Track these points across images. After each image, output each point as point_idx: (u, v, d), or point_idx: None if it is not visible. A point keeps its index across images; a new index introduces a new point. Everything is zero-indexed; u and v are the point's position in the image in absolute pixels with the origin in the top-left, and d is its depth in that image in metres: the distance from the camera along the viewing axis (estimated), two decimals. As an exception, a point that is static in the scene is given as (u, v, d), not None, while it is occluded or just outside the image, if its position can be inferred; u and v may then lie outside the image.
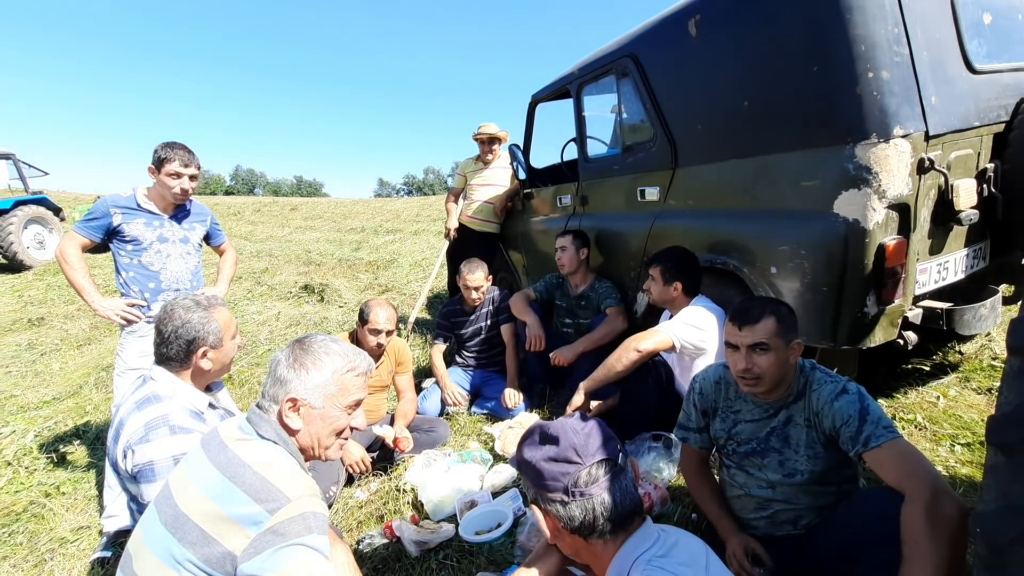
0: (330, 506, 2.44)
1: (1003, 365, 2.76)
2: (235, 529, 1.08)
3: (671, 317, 2.50)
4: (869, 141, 1.95)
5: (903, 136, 1.94)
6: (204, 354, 1.66)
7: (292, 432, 1.28)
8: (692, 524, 1.98)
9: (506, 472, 2.48)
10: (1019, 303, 1.00)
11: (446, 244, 4.91)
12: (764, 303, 1.57)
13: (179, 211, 2.59)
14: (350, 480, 2.64)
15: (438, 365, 3.46)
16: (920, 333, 2.20)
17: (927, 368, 2.91)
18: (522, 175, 4.24)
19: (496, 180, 4.60)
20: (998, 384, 2.64)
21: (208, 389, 1.77)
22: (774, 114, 2.26)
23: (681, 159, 2.75)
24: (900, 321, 2.11)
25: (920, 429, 2.41)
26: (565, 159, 4.09)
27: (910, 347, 2.16)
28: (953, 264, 2.27)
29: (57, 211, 10.94)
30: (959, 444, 2.27)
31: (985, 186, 2.21)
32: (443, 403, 3.37)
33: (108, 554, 2.27)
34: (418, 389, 3.40)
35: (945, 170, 2.03)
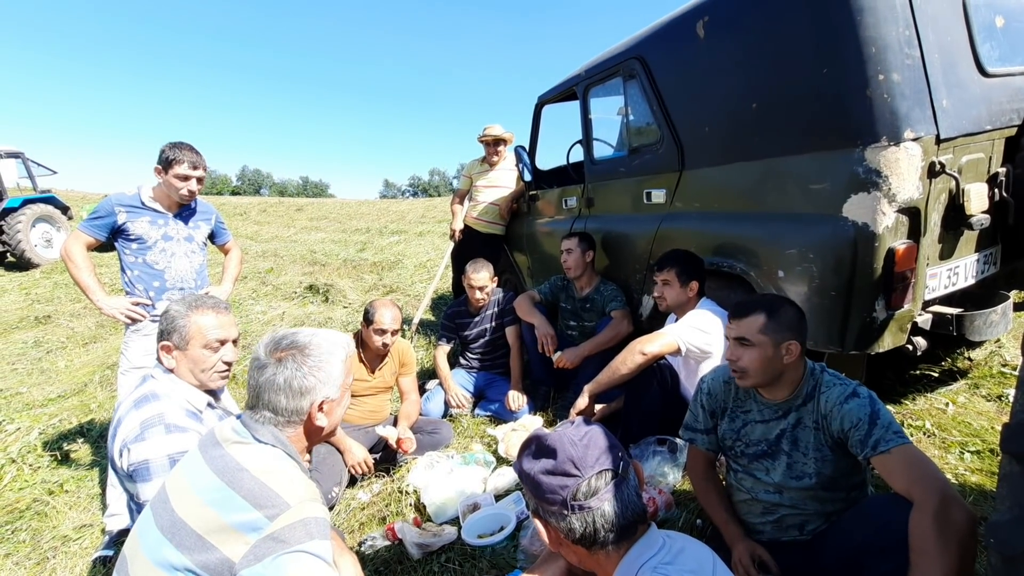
0: (332, 507, 2.43)
1: (1014, 372, 2.74)
2: (234, 536, 1.06)
3: (676, 320, 2.48)
4: (879, 144, 1.93)
5: (914, 139, 1.91)
6: (166, 349, 1.62)
7: (319, 431, 1.28)
8: (697, 530, 1.96)
9: (509, 475, 2.46)
10: None
11: (451, 245, 4.91)
12: (761, 300, 1.57)
13: (184, 209, 2.59)
14: (352, 481, 2.63)
15: (442, 366, 3.45)
16: (930, 339, 2.18)
17: (936, 374, 2.87)
18: (528, 177, 4.23)
19: (502, 182, 4.59)
20: (1009, 391, 2.62)
21: (211, 391, 1.74)
22: (783, 116, 2.23)
23: (688, 161, 2.73)
24: (909, 326, 2.08)
25: (929, 436, 2.38)
26: (571, 161, 4.08)
27: (919, 353, 2.14)
28: (963, 269, 2.24)
29: (65, 210, 11.01)
30: (969, 451, 2.23)
31: (996, 190, 2.18)
32: (446, 405, 3.36)
33: (110, 553, 2.27)
34: (421, 391, 3.39)
35: (956, 174, 2.01)
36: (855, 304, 2.00)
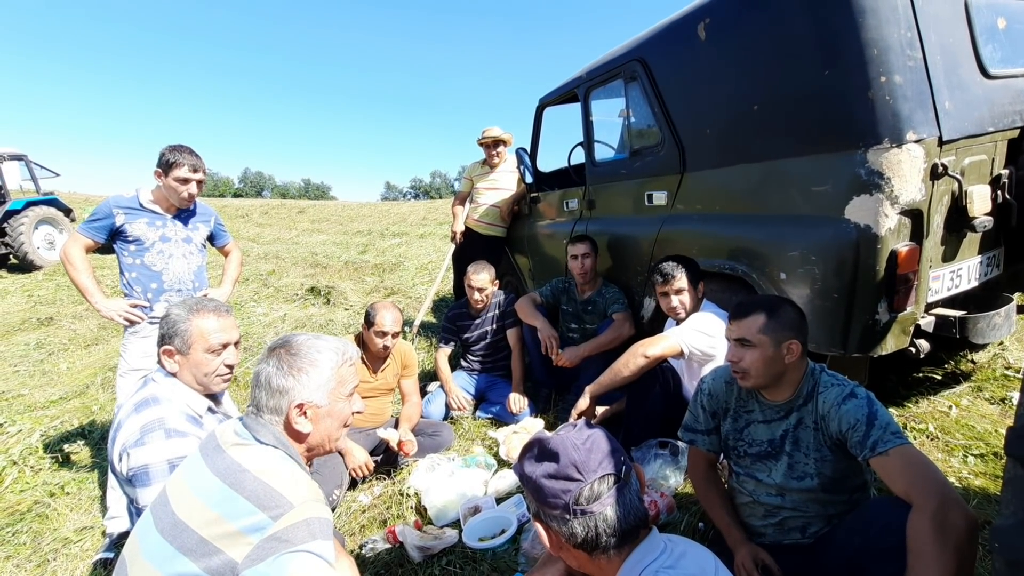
0: (333, 510, 2.43)
1: (1018, 375, 2.72)
2: (238, 538, 1.06)
3: (678, 323, 2.47)
4: (881, 146, 1.92)
5: (916, 141, 1.91)
6: (168, 354, 1.62)
7: (303, 436, 1.26)
8: (699, 533, 1.95)
9: (510, 477, 2.45)
10: None
11: (452, 247, 4.91)
12: (761, 301, 1.57)
13: (182, 211, 2.59)
14: (353, 484, 2.63)
15: (443, 369, 3.44)
16: (932, 341, 2.17)
17: (939, 377, 2.86)
18: (529, 179, 4.23)
19: (503, 184, 4.58)
20: (1012, 394, 2.60)
21: (212, 395, 1.73)
22: (784, 118, 2.23)
23: (689, 163, 2.72)
24: (912, 329, 2.08)
25: (932, 439, 2.36)
26: (572, 163, 4.07)
27: (922, 355, 2.13)
28: (966, 271, 2.24)
29: (68, 212, 11.04)
30: (972, 455, 2.22)
31: (1000, 192, 2.17)
32: (448, 407, 3.35)
33: (111, 555, 2.27)
34: (423, 393, 3.39)
35: (959, 176, 2.00)
36: (857, 306, 1.99)
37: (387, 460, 2.78)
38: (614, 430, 2.48)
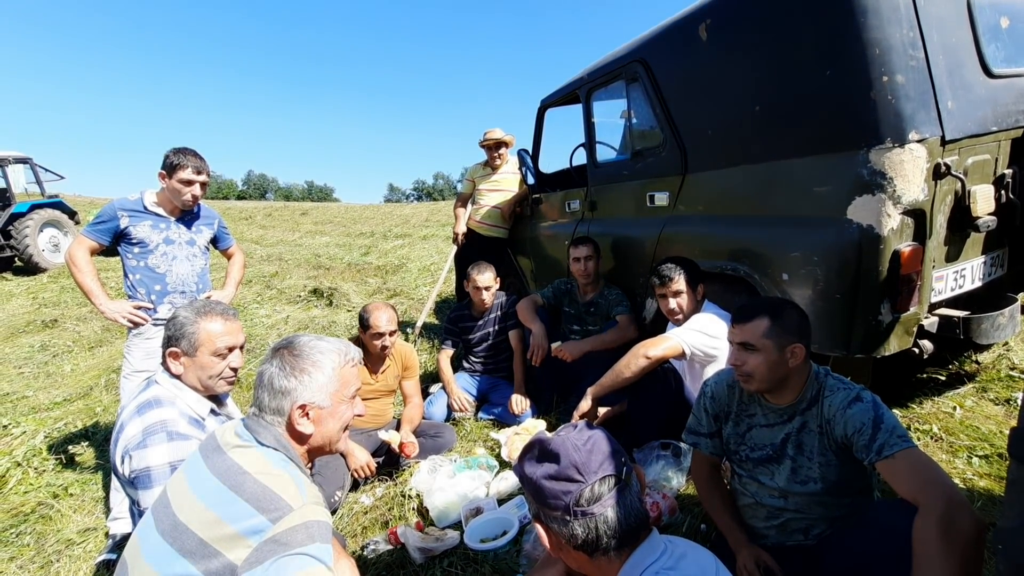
0: (335, 511, 2.43)
1: (1023, 375, 2.70)
2: (237, 540, 1.06)
3: (677, 325, 2.47)
4: (884, 146, 1.92)
5: (918, 141, 1.90)
6: (174, 356, 1.62)
7: (305, 437, 1.27)
8: (701, 535, 1.94)
9: (512, 479, 2.45)
10: None
11: (454, 249, 4.91)
12: (764, 304, 1.56)
13: (186, 214, 2.60)
14: (355, 485, 2.63)
15: (445, 370, 3.44)
16: (936, 342, 2.15)
17: (943, 378, 2.85)
18: (531, 180, 4.23)
19: (505, 185, 4.59)
20: (1017, 395, 2.59)
21: (215, 398, 1.74)
22: (786, 119, 2.22)
23: (691, 164, 2.72)
24: (915, 329, 2.07)
25: (936, 440, 2.35)
26: (574, 164, 4.07)
27: (926, 356, 2.11)
28: (970, 272, 2.22)
29: (72, 214, 11.11)
30: (977, 456, 2.21)
31: (1003, 192, 2.16)
32: (449, 408, 3.35)
33: (114, 557, 2.27)
34: (424, 394, 3.39)
35: (962, 176, 1.99)
36: (860, 307, 1.98)
37: (389, 461, 2.78)
38: (616, 432, 2.47)
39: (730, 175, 2.51)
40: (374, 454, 2.70)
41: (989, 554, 1.52)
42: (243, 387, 4.04)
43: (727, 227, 2.51)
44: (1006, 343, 2.98)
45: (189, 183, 2.47)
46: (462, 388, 3.45)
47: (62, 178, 12.09)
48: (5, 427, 3.61)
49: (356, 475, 2.54)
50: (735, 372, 1.58)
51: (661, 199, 2.92)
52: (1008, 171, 2.18)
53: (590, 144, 3.56)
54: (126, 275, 2.53)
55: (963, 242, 2.16)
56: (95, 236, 2.45)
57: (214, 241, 2.81)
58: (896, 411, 2.59)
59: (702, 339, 2.30)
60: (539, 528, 1.03)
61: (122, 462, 1.50)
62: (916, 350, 2.11)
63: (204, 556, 1.06)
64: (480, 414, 3.37)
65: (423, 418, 3.03)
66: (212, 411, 1.70)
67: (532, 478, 1.01)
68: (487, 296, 3.43)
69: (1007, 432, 1.22)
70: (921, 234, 1.98)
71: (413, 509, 2.40)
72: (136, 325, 2.47)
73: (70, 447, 3.26)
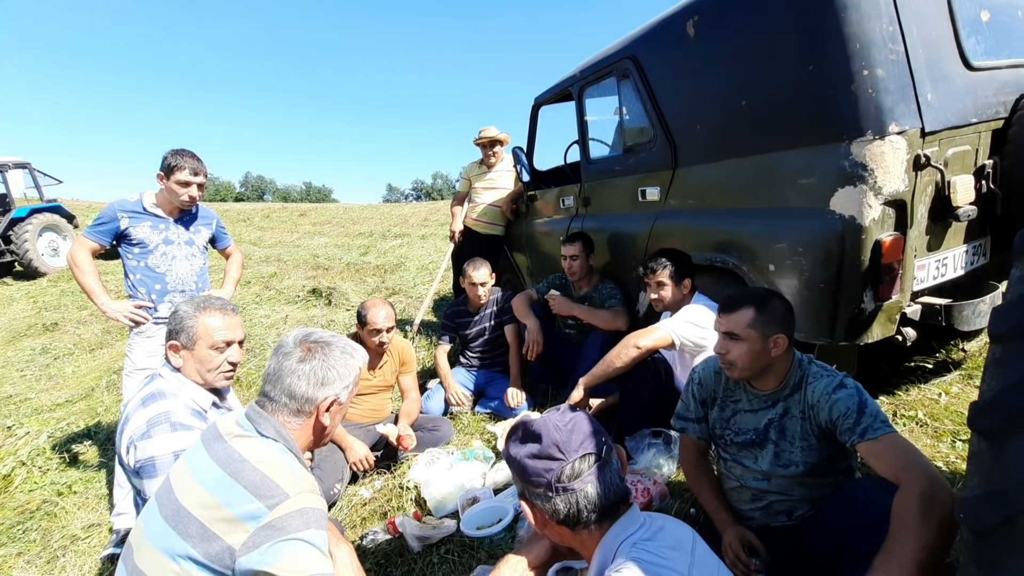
0: (334, 504, 2.48)
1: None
2: (235, 524, 1.10)
3: (671, 315, 2.52)
4: (865, 138, 1.96)
5: (899, 133, 1.95)
6: (174, 348, 1.67)
7: (325, 429, 1.34)
8: (691, 519, 1.99)
9: (508, 470, 2.49)
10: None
11: (451, 247, 4.95)
12: (749, 294, 1.60)
13: (185, 214, 2.65)
14: (354, 478, 2.68)
15: (442, 365, 3.49)
16: (920, 330, 2.20)
17: (930, 366, 2.90)
18: (526, 177, 4.28)
19: (500, 183, 4.63)
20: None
21: (216, 392, 1.79)
22: (771, 113, 2.27)
23: (681, 159, 2.77)
24: (898, 317, 2.11)
25: (921, 425, 2.40)
26: (568, 161, 4.12)
27: (909, 343, 2.16)
28: (952, 260, 2.27)
29: (71, 218, 11.14)
30: (960, 440, 2.26)
31: (984, 182, 2.21)
32: (447, 403, 3.40)
33: (118, 551, 2.31)
34: (422, 389, 3.44)
35: (942, 166, 2.04)
36: (844, 296, 2.03)
37: (387, 455, 2.83)
38: (608, 421, 2.53)
39: (718, 169, 2.56)
40: (372, 448, 2.76)
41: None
42: (242, 386, 4.09)
43: (716, 220, 2.56)
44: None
45: (187, 184, 2.51)
46: (459, 383, 3.50)
47: (60, 182, 12.11)
48: (9, 428, 3.67)
49: (355, 468, 2.59)
50: (719, 360, 1.63)
51: (652, 194, 2.97)
52: (988, 161, 2.22)
53: (583, 141, 3.61)
54: (127, 275, 2.58)
55: (944, 232, 2.21)
56: (96, 237, 2.50)
57: (212, 241, 2.86)
58: (882, 398, 2.64)
59: (692, 330, 2.35)
60: (524, 505, 1.08)
61: (127, 452, 1.55)
62: (899, 338, 2.16)
63: (204, 539, 1.10)
64: (477, 408, 3.42)
65: (421, 412, 3.08)
66: (214, 404, 1.75)
67: (516, 458, 1.06)
68: (483, 292, 3.48)
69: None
70: (902, 224, 2.02)
71: (411, 500, 2.45)
72: (137, 324, 2.52)
73: (73, 446, 3.31)
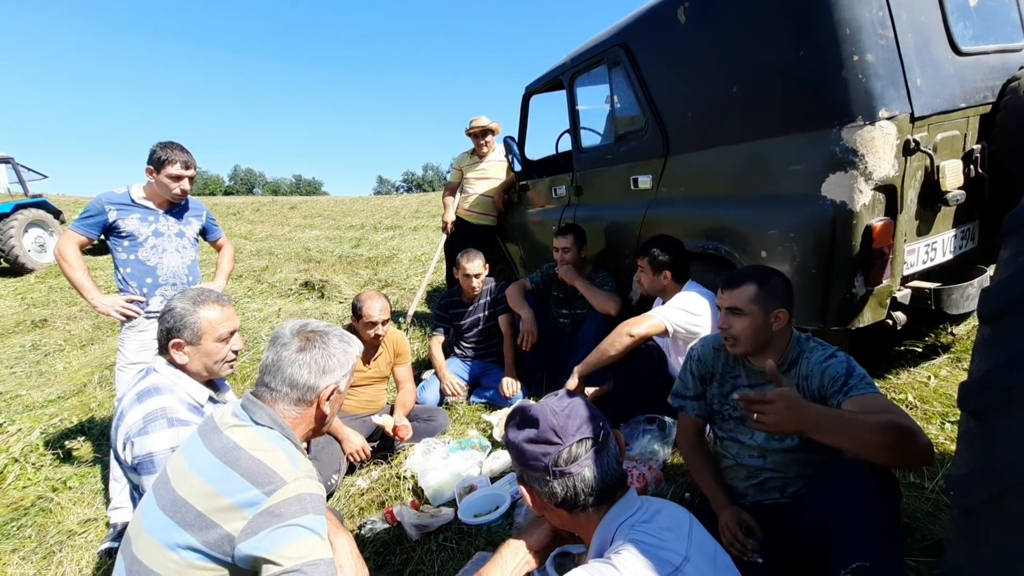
0: (332, 494, 2.49)
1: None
2: (233, 512, 1.10)
3: (664, 303, 2.53)
4: (855, 124, 1.98)
5: (888, 118, 1.96)
6: (178, 347, 1.65)
7: (325, 418, 1.35)
8: (686, 503, 2.02)
9: (504, 458, 2.52)
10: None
11: (444, 238, 4.94)
12: (751, 271, 1.64)
13: (175, 206, 2.62)
14: (351, 468, 2.69)
15: (437, 356, 3.49)
16: (909, 314, 2.23)
17: (919, 349, 2.94)
18: (517, 167, 4.26)
19: (492, 173, 4.61)
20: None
21: (213, 385, 1.79)
22: (762, 100, 2.28)
23: (673, 147, 2.77)
24: (888, 301, 2.14)
25: (911, 408, 2.44)
26: (560, 150, 4.11)
27: (899, 327, 2.19)
28: (941, 245, 2.30)
29: (57, 214, 10.99)
30: (949, 422, 2.29)
31: (972, 167, 2.23)
32: (442, 393, 3.41)
33: (115, 545, 2.32)
34: (417, 380, 3.44)
35: (931, 151, 2.06)
36: (835, 281, 2.06)
37: (383, 445, 2.84)
38: (603, 409, 2.53)
39: (710, 156, 2.57)
40: (369, 439, 2.76)
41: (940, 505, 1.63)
42: (236, 379, 4.08)
43: (708, 207, 2.57)
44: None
45: (178, 178, 2.49)
46: (454, 373, 3.50)
47: (45, 177, 11.95)
48: (0, 425, 3.64)
49: (352, 458, 2.60)
50: (721, 335, 1.66)
51: (644, 182, 2.98)
52: (977, 146, 2.24)
53: (574, 130, 3.60)
54: (117, 268, 2.55)
55: (934, 216, 2.23)
56: (83, 230, 2.47)
57: (203, 233, 2.84)
58: (874, 381, 2.67)
59: (684, 317, 2.37)
60: (523, 489, 1.09)
61: (124, 448, 1.54)
62: (890, 322, 2.19)
63: (203, 528, 1.10)
64: (472, 398, 3.43)
65: (416, 403, 3.08)
66: (211, 398, 1.74)
67: (515, 442, 1.07)
68: (477, 283, 3.48)
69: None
70: (892, 209, 2.04)
71: (408, 489, 2.46)
72: (129, 318, 2.50)
73: (66, 442, 3.29)
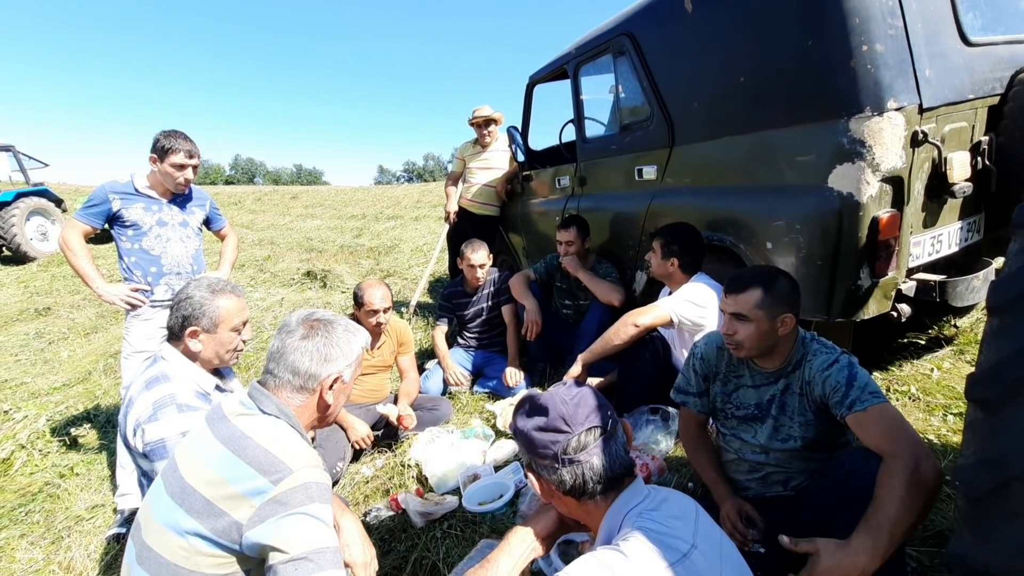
0: (337, 482, 2.51)
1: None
2: (241, 500, 1.11)
3: (670, 293, 2.53)
4: (863, 114, 1.96)
5: (897, 109, 1.95)
6: (194, 334, 1.66)
7: (328, 407, 1.35)
8: (689, 492, 2.03)
9: (507, 447, 2.53)
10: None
11: (446, 228, 4.94)
12: (756, 274, 1.59)
13: (178, 196, 2.62)
14: (356, 457, 2.70)
15: (440, 346, 3.51)
16: (914, 306, 2.23)
17: (923, 342, 2.94)
18: (521, 157, 4.25)
19: (495, 163, 4.60)
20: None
21: (219, 374, 1.80)
22: (769, 89, 2.26)
23: (678, 137, 2.76)
24: (894, 294, 2.14)
25: (913, 400, 2.45)
26: (563, 140, 4.09)
27: (903, 319, 2.19)
28: (947, 237, 2.29)
29: (59, 202, 10.98)
30: (951, 414, 2.30)
31: (979, 159, 2.22)
32: (445, 383, 3.42)
33: (123, 531, 2.35)
34: (420, 370, 3.45)
35: (939, 143, 2.05)
36: (840, 273, 2.05)
37: (387, 434, 2.86)
38: (607, 400, 2.56)
39: (716, 147, 2.56)
40: (373, 427, 2.78)
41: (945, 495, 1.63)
42: (241, 368, 4.09)
43: (713, 198, 2.56)
44: (984, 307, 3.06)
45: (182, 167, 2.48)
46: (457, 363, 3.52)
47: (46, 165, 11.91)
48: (6, 412, 3.66)
49: (356, 446, 2.62)
50: (726, 340, 1.63)
51: (649, 172, 2.96)
52: (984, 138, 2.23)
53: (579, 119, 3.58)
54: (121, 258, 2.55)
55: (940, 208, 2.22)
56: (87, 220, 2.47)
57: (207, 222, 2.84)
58: (876, 374, 2.68)
59: (690, 308, 2.37)
60: (531, 477, 1.10)
61: (134, 435, 1.55)
62: (894, 314, 2.18)
63: (211, 515, 1.11)
64: (475, 387, 3.45)
65: (419, 392, 3.10)
66: (217, 387, 1.75)
67: (524, 430, 1.08)
68: (481, 273, 3.48)
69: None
70: (899, 201, 2.03)
71: (413, 477, 2.48)
72: (134, 307, 2.51)
73: (72, 429, 3.31)
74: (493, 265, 3.70)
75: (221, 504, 1.12)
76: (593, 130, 3.59)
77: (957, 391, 2.45)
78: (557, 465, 1.03)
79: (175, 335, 1.69)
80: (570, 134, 3.82)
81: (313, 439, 2.39)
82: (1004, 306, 0.99)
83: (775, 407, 1.62)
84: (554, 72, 3.81)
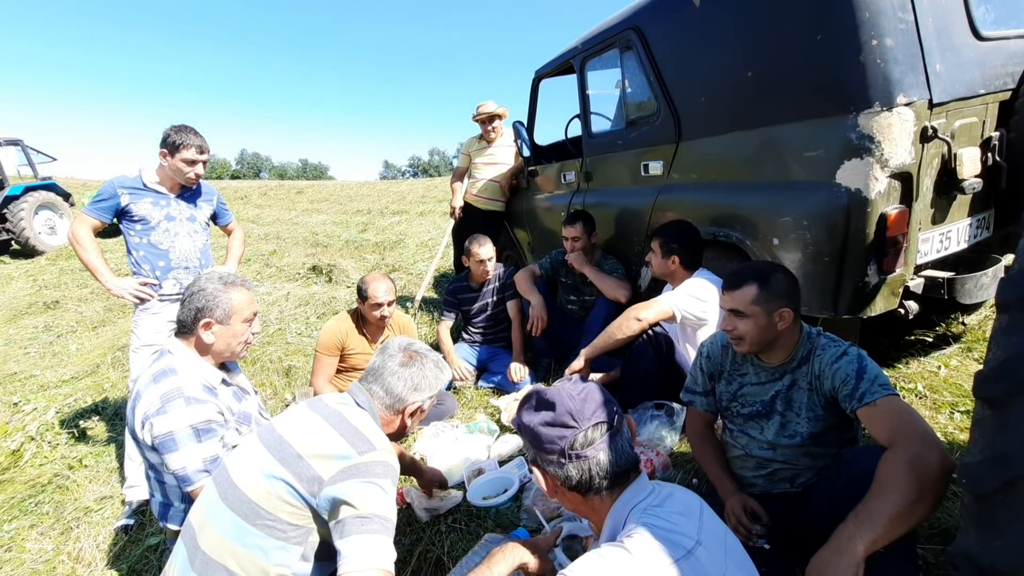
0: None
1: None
2: (328, 461, 1.28)
3: (673, 289, 2.53)
4: (872, 110, 1.94)
5: (906, 104, 1.92)
6: (208, 326, 1.68)
7: (402, 431, 1.57)
8: (694, 488, 2.03)
9: (512, 442, 2.54)
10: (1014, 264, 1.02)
11: (451, 223, 4.94)
12: (752, 270, 1.60)
13: (186, 190, 2.63)
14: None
15: (445, 341, 3.51)
16: (922, 303, 2.21)
17: (930, 339, 2.92)
18: (526, 152, 4.24)
19: (500, 158, 4.59)
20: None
21: (225, 368, 1.82)
22: (777, 84, 2.24)
23: (685, 132, 2.74)
24: (901, 291, 2.12)
25: (920, 398, 2.44)
26: (569, 135, 4.08)
27: (911, 316, 2.17)
28: (956, 234, 2.27)
29: (67, 196, 11.05)
30: (959, 412, 2.29)
31: (990, 155, 2.19)
32: (450, 378, 3.43)
33: (131, 522, 2.37)
34: (426, 365, 3.46)
35: (949, 139, 2.03)
36: (848, 269, 2.04)
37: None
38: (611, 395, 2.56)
39: (723, 142, 2.54)
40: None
41: (956, 488, 1.60)
42: (247, 362, 4.11)
43: (720, 194, 2.55)
44: (992, 304, 3.04)
45: (192, 162, 2.50)
46: (462, 358, 3.52)
47: (54, 160, 11.96)
48: (16, 404, 3.70)
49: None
50: (727, 336, 1.65)
51: (655, 168, 2.95)
52: (995, 134, 2.21)
53: (585, 115, 3.56)
54: (129, 252, 2.57)
55: (949, 204, 2.20)
56: (96, 214, 2.48)
57: (214, 217, 2.85)
58: (883, 371, 2.66)
59: (693, 303, 2.37)
60: (536, 472, 1.10)
61: (142, 428, 1.57)
62: (902, 311, 2.17)
63: (299, 466, 1.28)
64: (480, 382, 3.46)
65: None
66: (224, 381, 1.77)
67: (530, 425, 1.08)
68: (487, 268, 3.48)
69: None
70: (908, 197, 2.01)
71: (418, 472, 2.49)
72: (142, 301, 2.52)
73: (81, 422, 3.34)
74: (498, 260, 3.70)
75: (310, 460, 1.28)
76: (599, 125, 3.58)
77: (964, 389, 2.44)
78: (564, 460, 1.04)
79: (187, 328, 1.70)
80: (576, 129, 3.80)
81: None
82: (1013, 303, 0.99)
83: (780, 403, 1.62)
84: (560, 67, 3.80)
